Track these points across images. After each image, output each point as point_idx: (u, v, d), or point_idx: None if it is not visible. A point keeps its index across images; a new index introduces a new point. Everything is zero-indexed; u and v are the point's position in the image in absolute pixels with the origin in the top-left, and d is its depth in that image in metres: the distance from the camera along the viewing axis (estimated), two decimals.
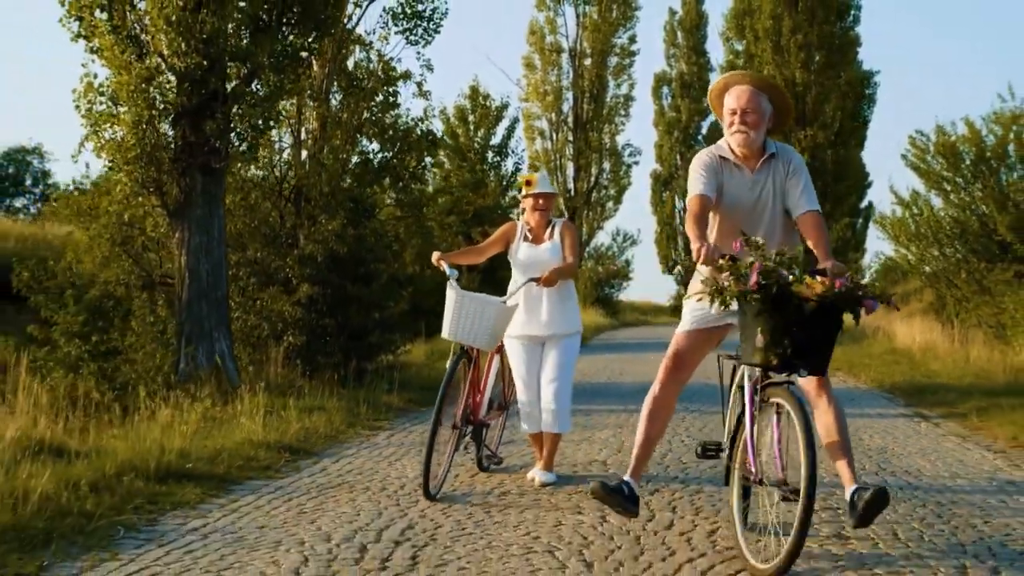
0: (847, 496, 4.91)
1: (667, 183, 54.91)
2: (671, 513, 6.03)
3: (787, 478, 4.73)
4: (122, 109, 11.51)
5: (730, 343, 5.32)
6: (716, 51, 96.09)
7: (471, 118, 31.37)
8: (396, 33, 15.04)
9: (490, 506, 6.26)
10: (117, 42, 11.25)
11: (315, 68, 14.50)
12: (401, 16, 14.80)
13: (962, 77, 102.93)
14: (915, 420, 10.66)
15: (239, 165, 13.25)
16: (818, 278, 4.59)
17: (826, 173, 37.71)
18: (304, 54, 12.60)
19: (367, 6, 14.74)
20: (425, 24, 14.76)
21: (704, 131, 54.42)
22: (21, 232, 23.18)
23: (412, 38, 14.90)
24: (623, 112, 46.60)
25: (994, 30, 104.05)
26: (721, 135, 5.51)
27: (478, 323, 6.69)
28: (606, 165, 46.48)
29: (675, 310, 52.84)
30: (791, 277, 4.58)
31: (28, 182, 43.30)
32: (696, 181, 5.28)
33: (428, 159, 17.26)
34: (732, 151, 5.38)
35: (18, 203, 41.97)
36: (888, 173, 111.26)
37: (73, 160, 15.03)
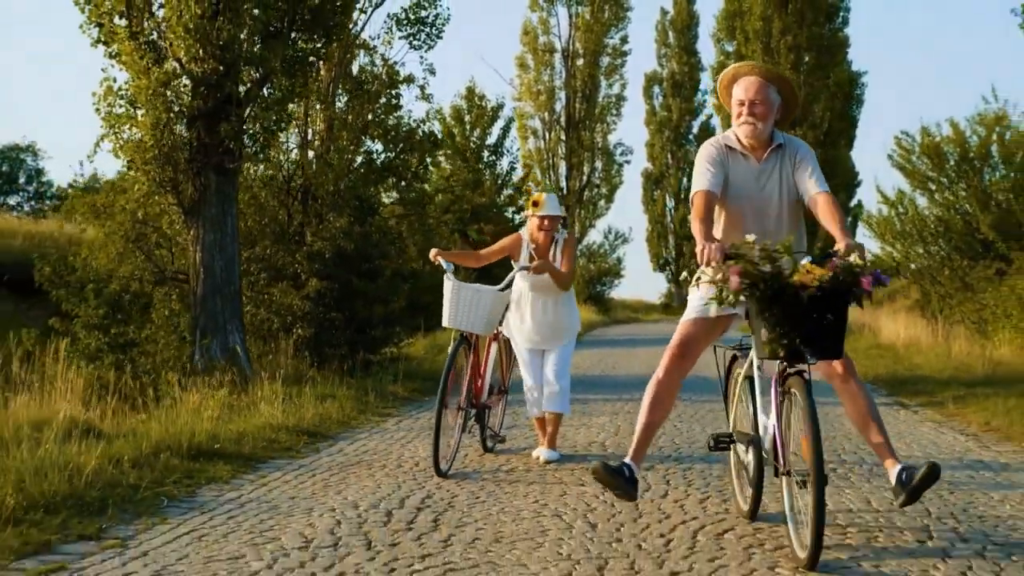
0: (893, 476, 4.99)
1: (658, 182, 55.63)
2: (666, 485, 6.61)
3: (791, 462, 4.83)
4: (140, 112, 12.04)
5: (729, 337, 5.78)
6: (707, 51, 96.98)
7: (467, 118, 31.90)
8: (400, 38, 15.59)
9: (500, 480, 6.83)
10: (136, 48, 11.77)
11: (322, 72, 15.03)
12: (405, 22, 15.33)
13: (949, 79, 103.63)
14: (895, 408, 11.23)
15: (248, 165, 13.79)
16: (810, 263, 4.62)
17: None
18: (313, 59, 13.15)
19: (372, 12, 15.29)
20: (428, 30, 15.29)
21: (695, 130, 55.14)
22: (29, 230, 23.62)
23: (415, 43, 15.43)
24: (615, 111, 47.34)
25: (981, 33, 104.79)
26: (711, 134, 5.69)
27: (475, 311, 7.22)
28: (598, 164, 47.17)
29: (666, 308, 53.49)
30: (787, 269, 4.61)
31: (22, 180, 43.76)
32: (701, 176, 5.25)
33: (427, 159, 17.78)
34: (739, 141, 5.35)
35: (12, 200, 42.40)
36: (874, 172, 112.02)
37: (89, 160, 15.57)
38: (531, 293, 7.62)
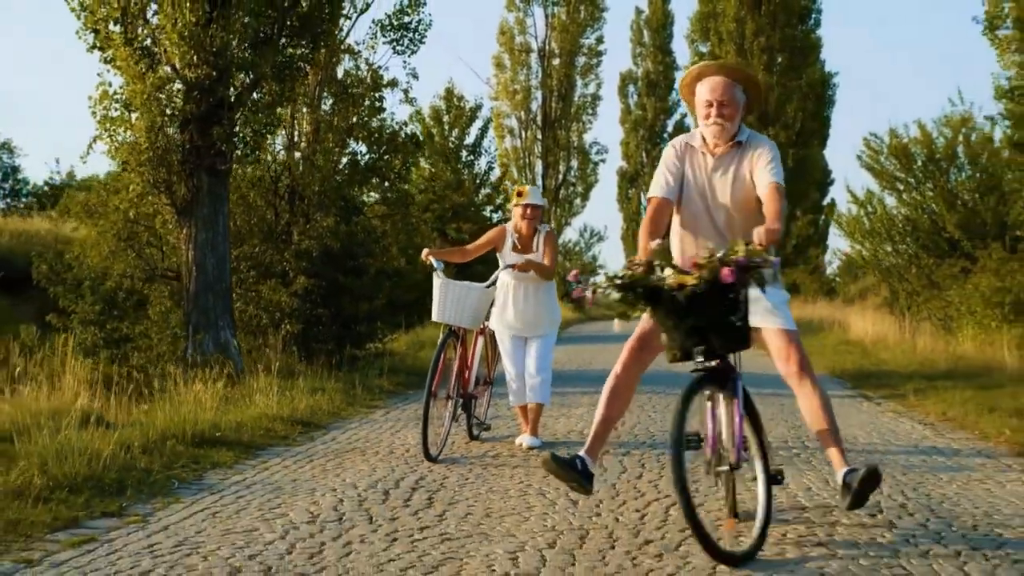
0: (839, 479, 5.03)
1: (633, 180, 56.18)
2: (641, 468, 7.14)
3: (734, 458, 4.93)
4: (135, 115, 12.47)
5: None
6: (682, 50, 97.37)
7: (446, 119, 32.36)
8: (384, 43, 15.99)
9: (487, 464, 7.34)
10: (131, 54, 12.20)
11: (309, 76, 15.46)
12: (389, 28, 15.76)
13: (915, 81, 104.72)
14: (858, 400, 11.79)
15: (237, 167, 14.22)
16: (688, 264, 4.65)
17: (787, 171, 38.85)
18: (301, 64, 13.62)
19: (357, 18, 15.72)
20: (411, 35, 15.73)
21: (669, 129, 55.72)
22: (15, 228, 23.85)
23: (399, 48, 15.85)
24: (590, 111, 47.93)
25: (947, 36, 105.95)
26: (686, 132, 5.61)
27: (462, 306, 7.77)
28: (574, 163, 47.74)
29: None
30: (661, 273, 4.69)
31: None
32: (657, 181, 5.32)
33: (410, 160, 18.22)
34: (704, 142, 5.35)
35: None
36: (847, 173, 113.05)
37: (82, 161, 15.91)
38: (514, 281, 8.15)
